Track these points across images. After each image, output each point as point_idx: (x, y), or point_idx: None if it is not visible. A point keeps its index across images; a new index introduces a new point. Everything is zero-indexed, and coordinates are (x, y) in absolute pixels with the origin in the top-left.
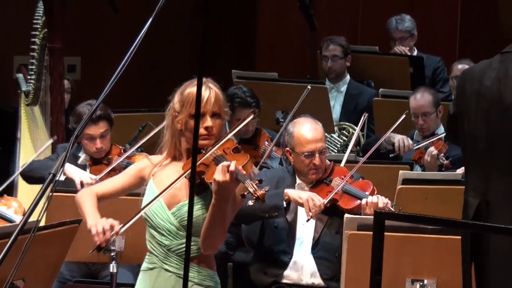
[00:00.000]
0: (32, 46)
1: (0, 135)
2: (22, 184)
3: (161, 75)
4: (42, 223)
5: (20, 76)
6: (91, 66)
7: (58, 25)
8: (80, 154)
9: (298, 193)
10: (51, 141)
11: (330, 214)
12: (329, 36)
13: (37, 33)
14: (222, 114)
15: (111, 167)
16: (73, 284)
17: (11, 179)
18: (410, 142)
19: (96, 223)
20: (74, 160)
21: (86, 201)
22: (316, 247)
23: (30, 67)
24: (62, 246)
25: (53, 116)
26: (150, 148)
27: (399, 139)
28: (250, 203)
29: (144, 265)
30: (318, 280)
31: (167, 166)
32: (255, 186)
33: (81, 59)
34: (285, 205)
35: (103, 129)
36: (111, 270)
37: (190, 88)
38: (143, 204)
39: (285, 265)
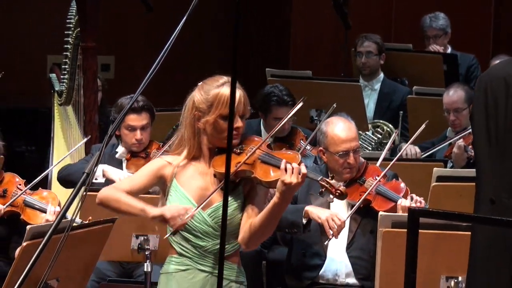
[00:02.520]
0: (65, 46)
1: (34, 134)
2: (56, 182)
3: (194, 74)
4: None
5: (53, 76)
6: (125, 65)
7: (91, 24)
8: (117, 150)
9: (318, 212)
10: (84, 140)
11: (364, 214)
12: (363, 34)
13: (70, 32)
14: (247, 115)
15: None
16: (107, 283)
17: (43, 174)
18: (418, 150)
19: (168, 208)
20: (110, 157)
21: (123, 195)
22: (351, 247)
23: (63, 66)
24: (96, 245)
25: (86, 115)
26: None
27: (407, 148)
28: (330, 198)
29: (172, 267)
30: (352, 280)
31: (188, 166)
32: (331, 182)
33: (115, 58)
34: (304, 222)
35: (145, 120)
36: (145, 269)
37: (218, 89)
38: (170, 203)
39: (318, 268)
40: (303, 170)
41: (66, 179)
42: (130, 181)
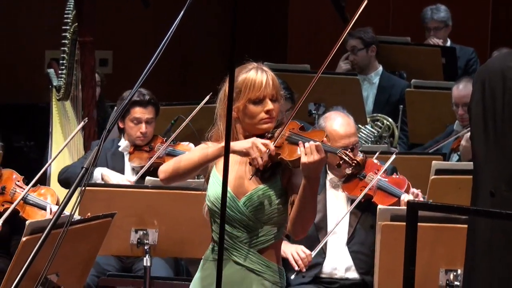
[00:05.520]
0: (63, 41)
1: (32, 129)
2: (54, 178)
3: (191, 68)
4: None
5: (51, 71)
6: (123, 60)
7: (89, 18)
8: (120, 143)
9: (283, 247)
10: (81, 124)
11: (364, 209)
12: (359, 28)
13: (68, 27)
14: (279, 98)
15: (156, 156)
16: (106, 278)
17: (42, 170)
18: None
19: (251, 147)
20: (112, 152)
21: (193, 153)
22: (351, 241)
23: (61, 61)
24: (95, 240)
25: (84, 110)
26: (184, 140)
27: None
28: (348, 171)
29: (210, 255)
30: (353, 274)
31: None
32: (349, 153)
33: (113, 53)
34: None
35: (151, 114)
36: (144, 264)
37: (245, 74)
38: (211, 194)
39: (320, 265)
40: (317, 145)
41: (67, 182)
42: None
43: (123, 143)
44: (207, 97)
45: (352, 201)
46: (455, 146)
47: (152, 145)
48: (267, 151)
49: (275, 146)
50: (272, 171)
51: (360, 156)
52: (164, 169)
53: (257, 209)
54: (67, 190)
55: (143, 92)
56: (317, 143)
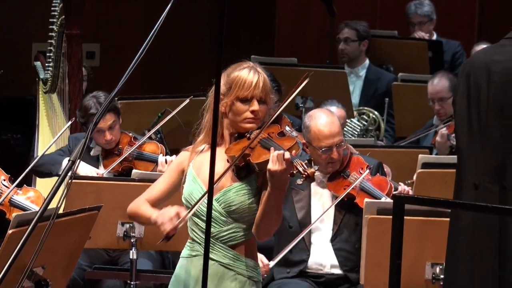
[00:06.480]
0: (50, 33)
1: (19, 122)
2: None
3: (180, 62)
4: (61, 210)
5: (38, 64)
6: (110, 53)
7: (76, 11)
8: (92, 145)
9: None
10: (68, 124)
11: (348, 207)
12: (356, 20)
13: (55, 20)
14: (268, 100)
15: (122, 158)
16: (92, 271)
17: (27, 170)
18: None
19: (161, 213)
20: (87, 151)
21: (141, 206)
22: (336, 239)
23: (48, 54)
24: (81, 233)
25: (71, 103)
26: (170, 135)
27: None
28: (299, 182)
29: (186, 252)
30: (338, 271)
31: (206, 152)
32: (304, 165)
33: (100, 46)
34: None
35: (111, 121)
36: (130, 257)
37: (238, 71)
38: (185, 190)
39: (304, 262)
40: (286, 155)
41: (37, 170)
42: (157, 185)
43: (94, 148)
44: (187, 100)
45: (335, 199)
46: (434, 142)
47: (121, 147)
48: (179, 220)
49: (250, 147)
50: (248, 170)
51: (312, 169)
52: (129, 212)
53: (230, 206)
54: (51, 183)
55: (100, 101)
56: (287, 155)
